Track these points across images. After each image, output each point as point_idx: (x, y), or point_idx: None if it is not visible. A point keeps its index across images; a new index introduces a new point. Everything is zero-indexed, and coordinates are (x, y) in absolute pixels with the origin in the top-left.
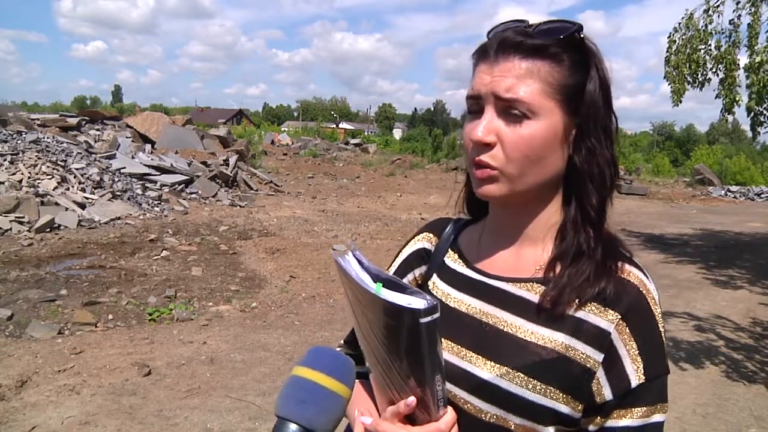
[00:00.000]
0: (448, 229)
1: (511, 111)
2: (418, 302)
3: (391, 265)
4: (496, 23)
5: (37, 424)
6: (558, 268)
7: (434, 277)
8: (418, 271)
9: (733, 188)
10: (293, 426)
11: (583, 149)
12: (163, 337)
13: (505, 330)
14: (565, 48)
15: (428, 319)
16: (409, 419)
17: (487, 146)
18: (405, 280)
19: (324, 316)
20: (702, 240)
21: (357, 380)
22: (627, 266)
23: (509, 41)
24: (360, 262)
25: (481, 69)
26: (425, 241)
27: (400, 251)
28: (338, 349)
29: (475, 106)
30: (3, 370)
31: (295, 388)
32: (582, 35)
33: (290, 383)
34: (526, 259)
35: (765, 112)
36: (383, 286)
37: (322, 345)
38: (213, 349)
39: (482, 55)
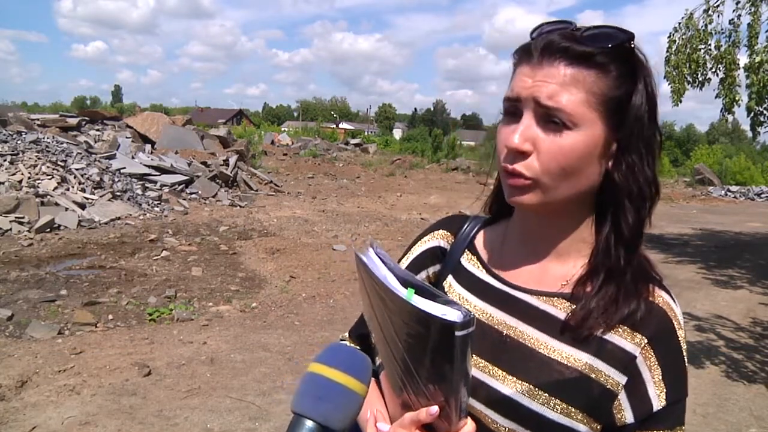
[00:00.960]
0: (465, 228)
1: (551, 119)
2: (452, 314)
3: (400, 261)
4: (542, 23)
5: (38, 425)
6: (587, 287)
7: (450, 278)
8: (431, 270)
9: (733, 188)
10: (309, 422)
11: (623, 165)
12: (163, 338)
13: (526, 344)
14: (613, 58)
15: (463, 332)
16: (427, 427)
17: (522, 154)
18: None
19: (324, 316)
20: (702, 240)
21: None
22: (657, 290)
23: (555, 45)
24: (383, 261)
25: (522, 71)
26: (441, 239)
27: (412, 247)
28: (340, 341)
29: (513, 108)
30: (3, 370)
31: (311, 384)
32: (632, 45)
33: (306, 380)
34: (552, 272)
35: (765, 111)
36: (414, 292)
37: (338, 342)
38: (213, 350)
39: (525, 55)
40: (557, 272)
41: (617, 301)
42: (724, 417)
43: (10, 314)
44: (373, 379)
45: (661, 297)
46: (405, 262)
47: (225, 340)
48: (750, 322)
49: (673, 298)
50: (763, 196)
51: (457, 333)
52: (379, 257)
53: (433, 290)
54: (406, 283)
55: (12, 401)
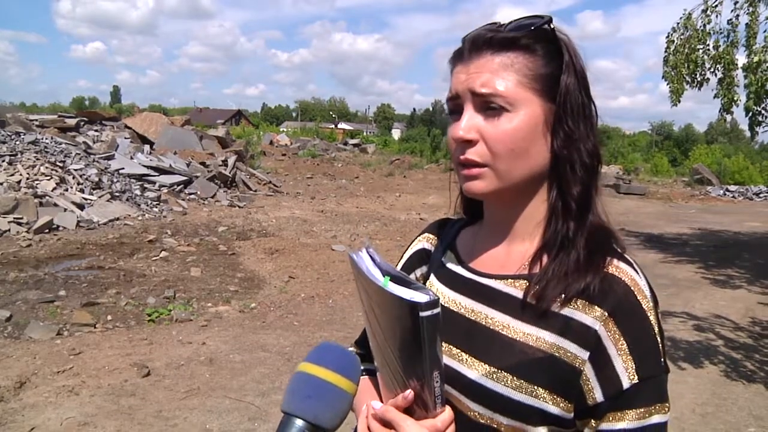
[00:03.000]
0: (447, 229)
1: (489, 106)
2: (420, 296)
3: (396, 265)
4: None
5: (36, 425)
6: (542, 263)
7: (432, 277)
8: (419, 272)
9: (732, 188)
10: (299, 421)
11: (561, 133)
12: (162, 338)
13: (492, 328)
14: (536, 39)
15: (428, 313)
16: (408, 414)
17: (470, 143)
18: None
19: (323, 316)
20: (701, 239)
21: (366, 376)
22: (615, 261)
23: (481, 38)
24: (372, 258)
25: (457, 70)
26: (425, 242)
27: (404, 252)
28: (350, 349)
29: (455, 107)
30: (2, 371)
31: (301, 384)
32: (552, 26)
33: (296, 379)
34: (514, 255)
35: (763, 111)
36: (390, 280)
37: (328, 342)
38: (212, 350)
39: (457, 57)
40: (519, 253)
41: (572, 269)
42: (723, 416)
43: (8, 315)
44: (371, 378)
45: (619, 268)
46: (398, 266)
47: (224, 340)
48: (749, 321)
49: (636, 270)
50: (761, 195)
51: (422, 313)
52: (369, 255)
53: (409, 279)
54: (386, 274)
55: (11, 402)
